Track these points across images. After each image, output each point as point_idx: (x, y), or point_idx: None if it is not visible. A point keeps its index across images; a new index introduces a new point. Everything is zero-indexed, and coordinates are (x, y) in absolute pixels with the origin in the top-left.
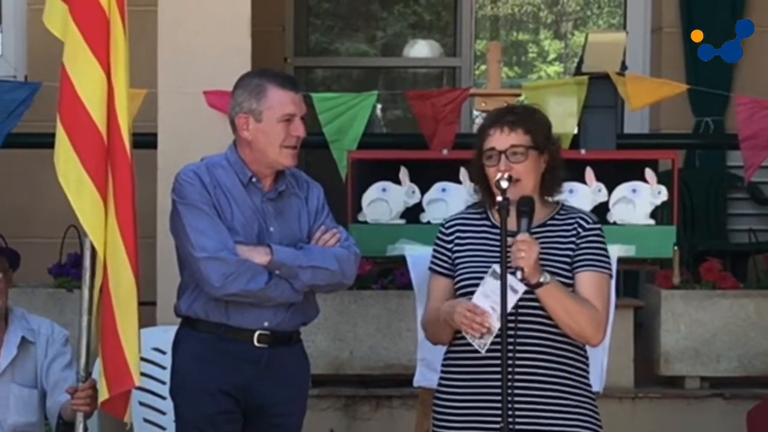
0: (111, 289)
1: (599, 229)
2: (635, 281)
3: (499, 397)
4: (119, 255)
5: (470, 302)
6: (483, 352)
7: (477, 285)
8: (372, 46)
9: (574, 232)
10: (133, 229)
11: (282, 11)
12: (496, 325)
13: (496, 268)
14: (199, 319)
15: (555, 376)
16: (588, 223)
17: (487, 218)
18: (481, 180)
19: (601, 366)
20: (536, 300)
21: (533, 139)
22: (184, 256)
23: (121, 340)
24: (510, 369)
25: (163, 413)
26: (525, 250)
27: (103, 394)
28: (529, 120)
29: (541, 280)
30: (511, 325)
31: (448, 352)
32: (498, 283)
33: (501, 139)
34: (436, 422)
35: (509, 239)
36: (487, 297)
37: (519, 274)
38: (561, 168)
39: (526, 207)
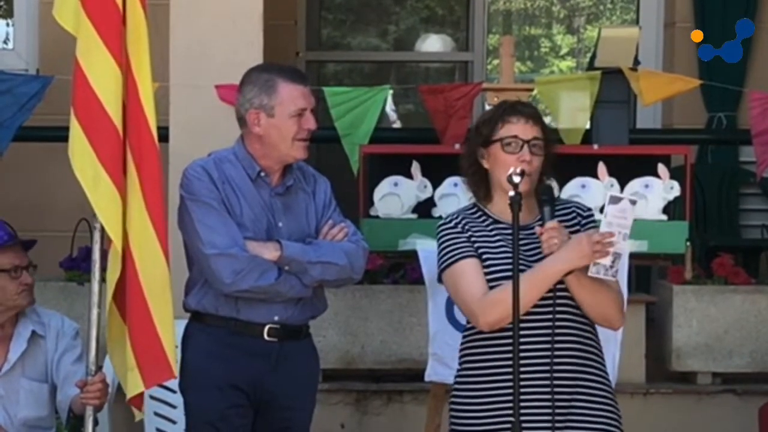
0: (142, 280)
1: (593, 214)
2: (647, 276)
3: (528, 390)
4: (151, 245)
5: (597, 232)
6: (615, 279)
7: (504, 280)
8: (384, 40)
9: (576, 220)
10: (164, 219)
11: (294, 5)
12: (624, 245)
13: (613, 192)
14: (209, 314)
15: (587, 366)
16: (584, 210)
17: (486, 215)
18: (478, 171)
19: (613, 361)
20: (566, 290)
21: (545, 136)
22: (194, 253)
23: (158, 332)
24: (549, 359)
25: (174, 407)
26: (556, 236)
27: (137, 387)
28: (541, 117)
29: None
30: (550, 309)
31: (465, 347)
32: (618, 206)
33: (525, 129)
34: (455, 419)
35: (537, 228)
36: (610, 225)
37: None
38: (552, 167)
39: (546, 195)
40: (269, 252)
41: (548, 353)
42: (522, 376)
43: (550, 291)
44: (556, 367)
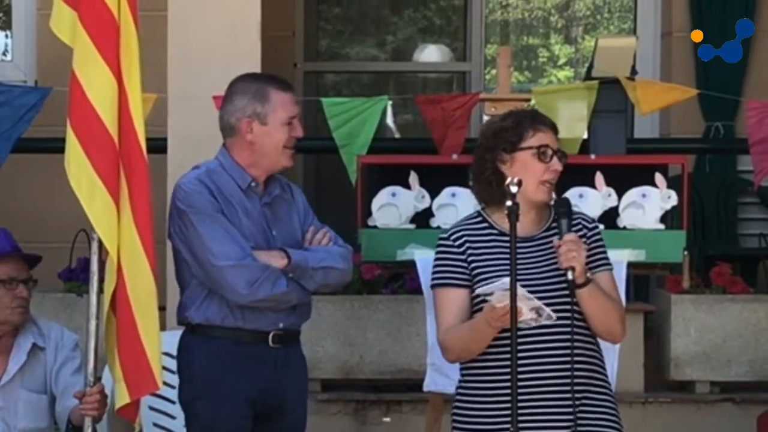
0: (129, 292)
1: (598, 226)
2: (645, 286)
3: (530, 403)
4: (138, 257)
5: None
6: (554, 319)
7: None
8: (382, 50)
9: (582, 231)
10: (151, 232)
11: (292, 16)
12: (535, 301)
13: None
14: (215, 326)
15: (592, 378)
16: (590, 222)
17: (491, 226)
18: (492, 177)
19: (611, 370)
20: (567, 303)
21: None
22: (201, 265)
23: (143, 344)
24: (550, 371)
25: (173, 417)
26: (575, 249)
27: (123, 399)
28: None
29: (589, 276)
30: (551, 326)
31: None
32: (503, 292)
33: (553, 139)
34: (458, 429)
35: (555, 240)
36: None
37: (570, 274)
38: None
39: (564, 207)
40: (277, 260)
41: (549, 365)
42: (506, 389)
43: (567, 303)
44: (563, 380)
